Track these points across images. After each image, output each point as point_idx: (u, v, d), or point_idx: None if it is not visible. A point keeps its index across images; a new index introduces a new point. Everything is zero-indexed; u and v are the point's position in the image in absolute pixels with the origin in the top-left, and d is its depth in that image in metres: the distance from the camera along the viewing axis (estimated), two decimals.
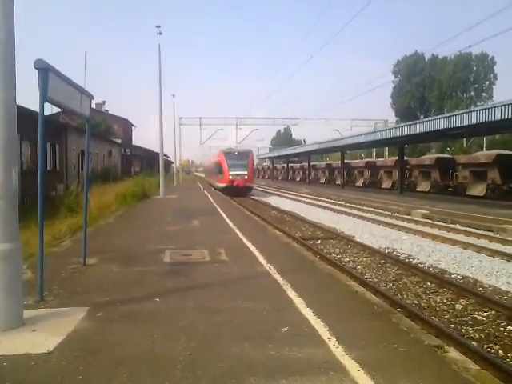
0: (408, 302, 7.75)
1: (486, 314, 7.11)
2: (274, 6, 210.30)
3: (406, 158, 35.98)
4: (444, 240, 13.65)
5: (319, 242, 13.83)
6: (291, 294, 6.18)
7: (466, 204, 22.74)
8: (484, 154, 29.77)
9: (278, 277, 7.13)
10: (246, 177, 33.98)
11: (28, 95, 5.63)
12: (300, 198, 31.64)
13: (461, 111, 21.72)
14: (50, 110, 34.34)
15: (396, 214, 20.28)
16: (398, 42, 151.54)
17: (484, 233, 14.54)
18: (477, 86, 73.93)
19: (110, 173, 36.45)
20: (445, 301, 7.84)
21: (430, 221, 17.79)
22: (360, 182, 45.61)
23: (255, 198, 32.32)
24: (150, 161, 67.33)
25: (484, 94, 73.60)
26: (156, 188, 31.21)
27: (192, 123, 56.12)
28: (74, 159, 30.11)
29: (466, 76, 72.34)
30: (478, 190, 27.46)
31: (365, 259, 11.33)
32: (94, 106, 47.54)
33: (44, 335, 4.69)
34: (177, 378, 3.73)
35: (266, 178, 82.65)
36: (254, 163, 42.29)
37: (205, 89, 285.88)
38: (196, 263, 8.29)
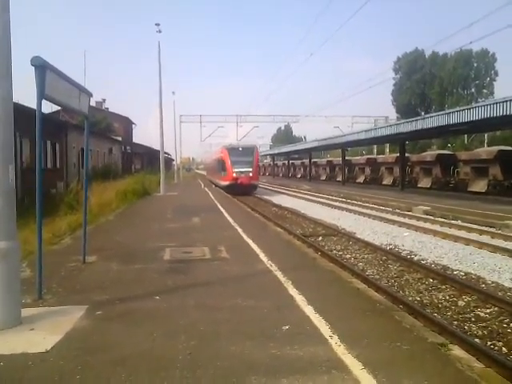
0: (410, 298, 7.68)
1: (489, 310, 7.05)
2: (274, 5, 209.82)
3: (406, 154, 35.85)
4: (446, 236, 13.57)
5: (320, 238, 13.77)
6: (292, 291, 6.12)
7: (468, 200, 22.64)
8: (485, 151, 29.68)
9: (278, 274, 7.06)
10: (251, 174, 31.74)
11: (29, 94, 5.55)
12: (301, 195, 31.57)
13: (462, 107, 21.61)
14: (50, 108, 34.33)
15: (397, 211, 20.19)
16: (398, 40, 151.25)
17: (486, 229, 14.46)
18: (478, 83, 73.73)
19: (111, 170, 36.40)
20: (447, 297, 7.77)
21: (431, 217, 17.71)
22: (361, 179, 45.53)
23: (256, 194, 32.24)
24: (150, 158, 67.31)
25: (485, 91, 73.38)
26: (156, 185, 31.21)
27: (192, 121, 56.05)
28: (74, 157, 30.07)
29: (466, 72, 72.15)
30: (480, 186, 27.38)
31: (366, 256, 11.27)
32: (94, 104, 47.56)
33: (42, 334, 4.64)
34: (176, 377, 3.67)
35: (267, 175, 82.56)
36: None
37: (205, 87, 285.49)
38: (196, 261, 8.23)
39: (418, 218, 17.71)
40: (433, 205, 20.07)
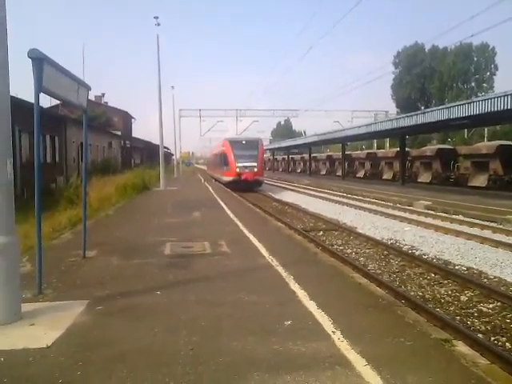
0: (412, 293, 7.65)
1: (491, 305, 7.02)
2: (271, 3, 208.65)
3: (407, 149, 35.76)
4: (447, 231, 13.54)
5: (321, 233, 13.74)
6: (294, 286, 6.07)
7: (468, 195, 22.60)
8: (485, 145, 29.60)
9: (280, 269, 7.02)
10: (256, 169, 29.44)
11: (30, 88, 5.49)
12: (301, 190, 31.52)
13: (463, 102, 21.53)
14: (49, 102, 34.28)
15: (398, 205, 20.15)
16: (399, 34, 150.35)
17: (487, 223, 14.42)
18: (478, 77, 73.45)
19: (110, 165, 36.33)
20: (449, 292, 7.75)
21: (432, 212, 17.68)
22: (361, 174, 45.46)
23: (256, 189, 32.16)
24: (150, 153, 67.20)
25: (485, 85, 73.12)
26: (156, 180, 31.11)
27: (192, 115, 55.93)
28: (73, 151, 30.00)
29: (466, 67, 71.85)
30: (480, 180, 27.33)
31: (367, 250, 11.24)
32: (93, 98, 47.38)
33: (42, 329, 4.60)
34: (178, 373, 3.63)
35: (267, 170, 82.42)
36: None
37: (205, 81, 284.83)
38: (197, 255, 8.18)
39: (419, 213, 17.67)
40: (434, 199, 20.02)
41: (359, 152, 52.07)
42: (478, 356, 4.13)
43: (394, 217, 16.95)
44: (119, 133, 49.74)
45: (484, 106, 18.48)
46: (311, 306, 5.27)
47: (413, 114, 25.92)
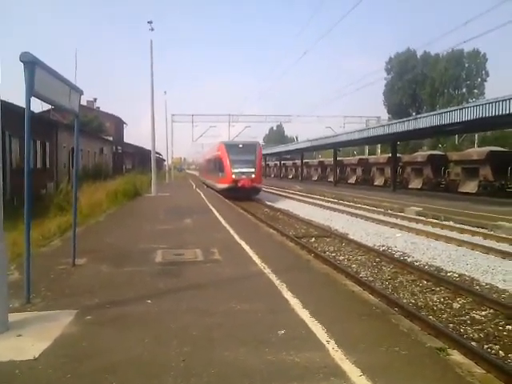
0: (405, 301, 7.63)
1: (484, 313, 7.01)
2: (267, 5, 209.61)
3: (398, 155, 35.95)
4: (438, 237, 13.56)
5: (313, 240, 13.71)
6: (287, 294, 6.01)
7: (459, 201, 22.71)
8: (476, 151, 29.83)
9: (272, 276, 6.95)
10: (254, 175, 27.10)
11: (21, 92, 5.40)
12: (293, 196, 31.50)
13: (455, 108, 21.70)
14: (40, 107, 34.04)
15: (389, 212, 20.20)
16: (392, 39, 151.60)
17: (478, 230, 14.49)
18: (469, 83, 74.17)
19: (102, 170, 36.08)
20: (442, 300, 7.73)
21: (423, 218, 17.73)
22: (352, 180, 45.61)
23: None
24: (141, 158, 66.88)
25: (476, 91, 73.85)
26: (148, 186, 30.89)
27: (184, 120, 55.89)
28: (64, 157, 29.76)
29: (458, 73, 72.54)
30: (470, 186, 27.51)
31: (359, 257, 11.22)
32: (85, 103, 47.15)
33: (30, 340, 4.49)
34: None
35: None
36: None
37: (197, 86, 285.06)
38: (188, 263, 8.09)
39: (410, 219, 17.71)
40: (425, 205, 20.10)
41: (351, 158, 52.28)
42: (473, 365, 4.10)
43: (386, 223, 16.98)
44: (111, 138, 49.50)
45: (475, 112, 18.63)
46: (304, 314, 5.21)
47: (405, 119, 26.08)
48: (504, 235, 13.26)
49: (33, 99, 5.51)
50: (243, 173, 26.90)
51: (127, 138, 66.50)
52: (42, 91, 5.73)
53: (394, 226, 16.23)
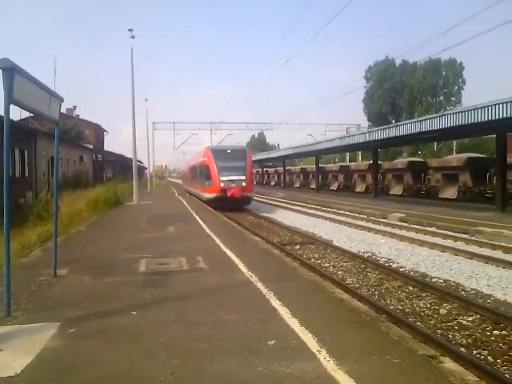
0: (392, 307, 7.61)
1: (471, 318, 7.03)
2: (248, 15, 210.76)
3: (379, 162, 36.25)
4: (422, 243, 13.65)
5: (298, 247, 13.65)
6: (275, 303, 5.93)
7: (439, 207, 22.96)
8: (455, 158, 30.26)
9: (260, 285, 6.87)
10: (244, 183, 24.52)
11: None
12: (276, 203, 31.45)
13: (434, 115, 21.98)
14: (19, 115, 33.47)
15: (372, 218, 20.29)
16: (373, 48, 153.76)
17: (460, 235, 14.62)
18: (446, 91, 75.48)
19: (82, 179, 35.55)
20: (428, 305, 7.73)
21: (406, 224, 17.85)
22: (334, 186, 45.81)
23: None
24: (122, 166, 66.21)
25: (453, 99, 75.17)
26: (129, 194, 30.54)
27: (166, 128, 55.44)
28: (43, 165, 29.21)
29: (435, 81, 73.75)
30: (450, 192, 27.85)
31: (345, 264, 11.20)
32: (64, 111, 46.51)
33: (11, 356, 4.32)
34: None
35: None
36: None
37: (179, 95, 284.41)
38: (174, 272, 7.96)
39: (394, 225, 17.80)
40: (407, 212, 20.25)
41: (332, 165, 52.55)
42: (466, 372, 4.07)
43: (369, 229, 17.04)
44: (91, 146, 48.90)
45: (454, 120, 18.88)
46: (294, 323, 5.13)
47: (385, 127, 26.32)
48: (485, 240, 13.41)
49: (12, 106, 5.35)
50: (233, 181, 24.35)
51: (108, 145, 66.03)
52: (22, 98, 5.60)
53: (378, 232, 16.30)
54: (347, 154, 57.88)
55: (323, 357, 4.21)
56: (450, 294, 8.15)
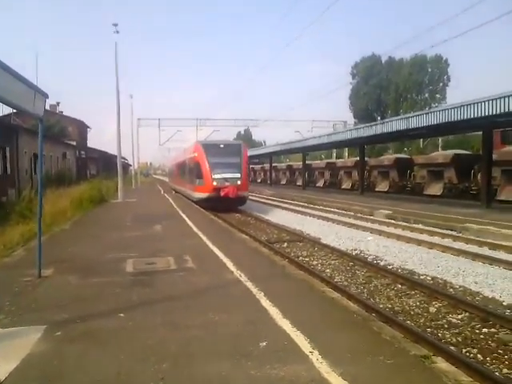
0: (381, 306, 7.59)
1: (460, 316, 7.04)
2: (237, 7, 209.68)
3: (365, 158, 36.39)
4: (409, 240, 13.71)
5: (286, 245, 13.60)
6: (265, 303, 5.85)
7: (425, 203, 23.14)
8: (441, 154, 30.49)
9: (249, 285, 6.79)
10: (239, 182, 22.34)
11: None
12: (263, 200, 31.38)
13: (421, 112, 22.13)
14: (0, 111, 32.85)
15: (359, 215, 20.35)
16: (358, 44, 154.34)
17: (447, 232, 14.72)
18: (431, 88, 75.98)
19: (65, 176, 35.08)
20: (418, 304, 7.73)
21: (393, 221, 17.92)
22: (321, 183, 45.95)
23: None
24: (106, 163, 65.55)
25: (438, 96, 75.72)
26: (114, 191, 30.23)
27: (150, 124, 54.98)
28: (26, 163, 28.76)
29: (421, 78, 74.18)
30: (435, 189, 28.08)
31: (333, 262, 11.17)
32: (48, 107, 45.76)
33: None
34: None
35: None
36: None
37: (164, 90, 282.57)
38: (161, 272, 7.83)
39: (380, 222, 17.88)
40: (393, 208, 20.35)
41: (319, 162, 52.65)
42: (459, 373, 4.05)
43: (356, 226, 17.07)
44: (74, 143, 48.26)
45: (441, 117, 19.00)
46: (285, 324, 5.06)
47: (372, 123, 26.44)
48: (472, 237, 13.51)
49: None
50: (226, 179, 22.14)
51: (91, 142, 65.02)
52: (5, 94, 5.43)
53: (365, 229, 16.33)
54: (334, 150, 58.03)
55: (316, 358, 4.15)
56: (439, 292, 8.16)
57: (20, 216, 15.33)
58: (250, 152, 57.68)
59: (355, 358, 4.19)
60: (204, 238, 11.52)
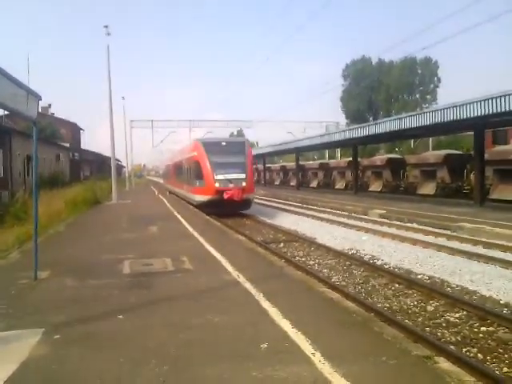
0: (379, 305, 7.59)
1: (458, 315, 7.05)
2: (229, 7, 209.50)
3: (358, 159, 36.46)
4: (404, 239, 13.74)
5: (282, 245, 13.59)
6: (265, 304, 5.83)
7: (419, 203, 23.22)
8: (433, 154, 30.61)
9: (248, 285, 6.76)
10: (244, 183, 20.28)
11: None
12: (257, 201, 31.30)
13: (414, 113, 22.20)
14: None
15: (353, 215, 20.38)
16: (351, 46, 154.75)
17: (441, 231, 14.76)
18: (422, 89, 76.46)
19: (59, 178, 34.86)
20: (415, 303, 7.74)
21: (387, 220, 17.96)
22: (314, 184, 45.96)
23: None
24: (100, 165, 65.32)
25: (428, 97, 76.16)
26: (108, 193, 30.10)
27: (144, 126, 54.71)
28: (19, 165, 28.56)
29: (411, 79, 74.62)
30: (428, 188, 28.20)
31: (329, 262, 11.18)
32: (39, 109, 45.43)
33: None
34: None
35: None
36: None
37: (156, 92, 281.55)
38: (159, 273, 7.80)
39: (375, 222, 17.91)
40: (387, 208, 20.38)
41: (312, 162, 52.71)
42: (462, 373, 4.04)
43: (351, 226, 17.10)
44: (67, 145, 48.00)
45: (433, 117, 19.08)
46: (286, 325, 5.05)
47: (365, 124, 26.53)
48: (466, 236, 13.58)
49: None
50: (230, 180, 20.09)
51: (84, 144, 64.77)
52: None
53: (360, 229, 16.35)
54: (326, 151, 58.10)
55: (318, 359, 4.13)
56: (436, 291, 8.17)
57: (15, 218, 15.21)
58: None
59: (357, 358, 4.18)
60: (200, 239, 11.48)
